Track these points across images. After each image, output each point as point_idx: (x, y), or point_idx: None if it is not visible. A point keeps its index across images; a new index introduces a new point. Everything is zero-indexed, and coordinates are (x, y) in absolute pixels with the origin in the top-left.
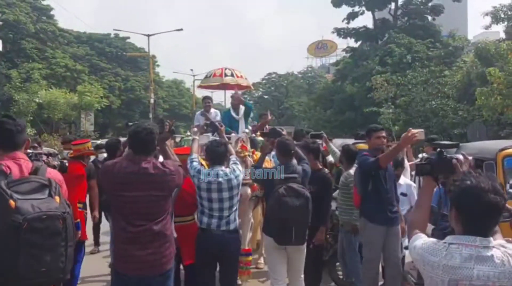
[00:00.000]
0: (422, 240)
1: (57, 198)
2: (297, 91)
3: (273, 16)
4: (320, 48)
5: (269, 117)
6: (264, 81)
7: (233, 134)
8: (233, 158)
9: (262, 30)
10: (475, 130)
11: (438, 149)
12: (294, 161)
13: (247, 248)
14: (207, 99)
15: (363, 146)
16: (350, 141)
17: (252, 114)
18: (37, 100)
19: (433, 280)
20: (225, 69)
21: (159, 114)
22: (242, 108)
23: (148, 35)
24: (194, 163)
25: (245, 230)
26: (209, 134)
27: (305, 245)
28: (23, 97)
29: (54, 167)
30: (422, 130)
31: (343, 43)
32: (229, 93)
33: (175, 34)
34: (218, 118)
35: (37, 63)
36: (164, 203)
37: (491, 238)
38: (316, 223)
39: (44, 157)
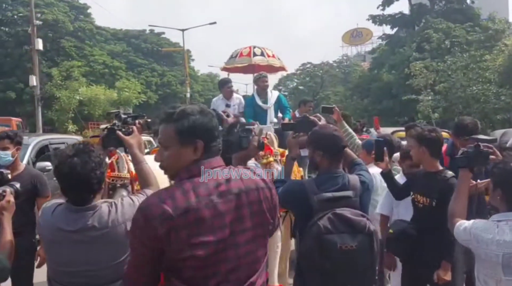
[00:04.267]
0: (469, 222)
1: None
2: (333, 81)
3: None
4: (355, 36)
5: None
6: (298, 72)
7: (255, 127)
8: (251, 163)
9: (296, 20)
10: None
11: (476, 143)
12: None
13: (276, 285)
14: (226, 82)
15: (401, 134)
16: (390, 130)
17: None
18: (78, 97)
19: (487, 256)
20: (254, 47)
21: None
22: (272, 94)
23: (183, 30)
24: None
25: (273, 265)
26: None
27: None
28: (64, 94)
29: None
30: None
31: (378, 31)
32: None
33: (208, 27)
34: (242, 106)
35: (76, 61)
36: (264, 243)
37: None
38: (433, 256)
39: None
